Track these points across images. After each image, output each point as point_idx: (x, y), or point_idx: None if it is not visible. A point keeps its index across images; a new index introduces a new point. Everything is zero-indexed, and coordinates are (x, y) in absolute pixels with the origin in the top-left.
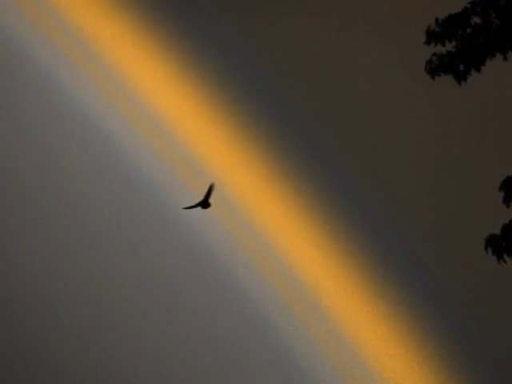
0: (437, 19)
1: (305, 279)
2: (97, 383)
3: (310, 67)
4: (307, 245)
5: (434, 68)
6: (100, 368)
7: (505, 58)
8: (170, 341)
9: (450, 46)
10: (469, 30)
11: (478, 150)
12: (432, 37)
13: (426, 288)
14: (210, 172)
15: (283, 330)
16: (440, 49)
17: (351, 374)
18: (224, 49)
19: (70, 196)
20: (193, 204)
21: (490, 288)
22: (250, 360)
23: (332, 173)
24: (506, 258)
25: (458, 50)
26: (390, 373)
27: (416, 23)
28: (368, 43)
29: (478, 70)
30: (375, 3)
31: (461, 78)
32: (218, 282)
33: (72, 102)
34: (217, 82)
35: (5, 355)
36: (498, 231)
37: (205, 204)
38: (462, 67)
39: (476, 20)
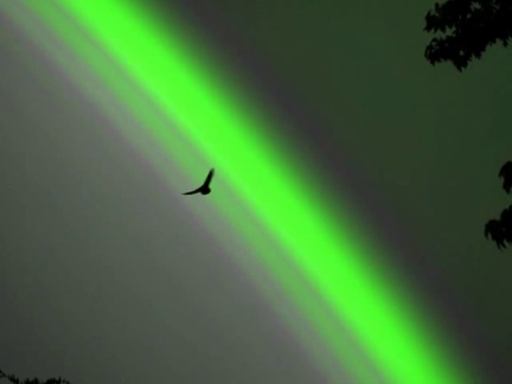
0: (437, 5)
1: (305, 265)
2: (96, 371)
3: (310, 52)
4: (308, 230)
5: (434, 53)
6: (99, 356)
7: (505, 44)
8: (169, 328)
9: (449, 32)
10: (469, 16)
11: (478, 136)
12: (432, 22)
13: (426, 274)
14: (210, 157)
15: (283, 316)
16: (440, 34)
17: (352, 360)
18: (224, 34)
19: (70, 182)
20: (193, 190)
21: (490, 273)
22: (250, 346)
23: (332, 158)
24: (505, 243)
25: (458, 36)
26: (390, 358)
27: (416, 9)
28: (368, 29)
29: (478, 55)
30: None
31: (461, 63)
32: (217, 269)
33: (72, 89)
34: (217, 67)
35: (4, 342)
36: (498, 217)
37: (205, 190)
38: (461, 53)
39: (476, 5)
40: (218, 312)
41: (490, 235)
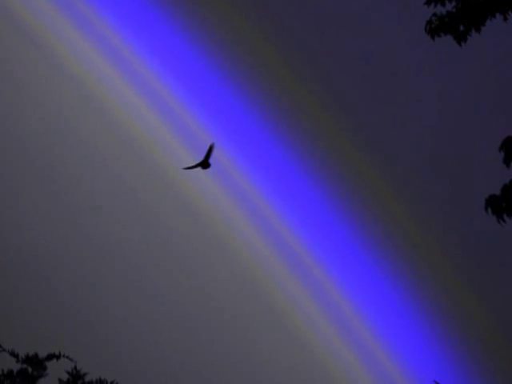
0: None
1: (308, 238)
2: (95, 341)
3: (309, 28)
4: (307, 204)
5: (434, 28)
6: (98, 328)
7: (505, 19)
8: (169, 301)
9: (450, 7)
10: None
11: (478, 110)
12: None
13: (425, 248)
14: (209, 132)
15: (284, 289)
16: (440, 9)
17: (354, 332)
18: (223, 11)
19: (70, 155)
20: (193, 164)
21: (490, 247)
22: (251, 319)
23: (331, 132)
24: (505, 218)
25: (458, 11)
26: (393, 332)
27: None
28: (368, 3)
29: (478, 30)
30: None
31: (461, 38)
32: (217, 242)
33: (72, 62)
34: (216, 43)
35: (4, 317)
36: (498, 191)
37: (205, 164)
38: (461, 28)
39: None
40: (218, 285)
41: (490, 210)
